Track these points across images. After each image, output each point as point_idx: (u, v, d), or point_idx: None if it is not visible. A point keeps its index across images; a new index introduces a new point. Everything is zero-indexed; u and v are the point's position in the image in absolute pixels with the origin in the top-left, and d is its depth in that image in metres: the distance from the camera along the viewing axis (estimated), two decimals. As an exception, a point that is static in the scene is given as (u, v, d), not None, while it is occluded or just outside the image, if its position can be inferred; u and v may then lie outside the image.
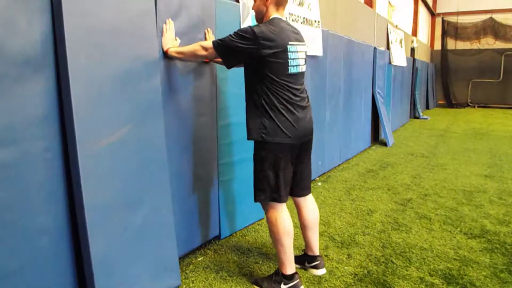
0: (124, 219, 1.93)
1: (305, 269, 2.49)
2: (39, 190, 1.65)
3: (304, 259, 2.49)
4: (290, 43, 2.08)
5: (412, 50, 10.76)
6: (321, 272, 2.43)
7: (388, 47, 8.01)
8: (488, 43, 15.67)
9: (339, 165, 5.36)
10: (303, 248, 2.56)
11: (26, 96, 1.59)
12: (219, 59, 2.25)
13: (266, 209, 2.24)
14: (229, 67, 2.20)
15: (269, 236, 2.96)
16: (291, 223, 2.21)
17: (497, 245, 2.86)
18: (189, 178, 2.57)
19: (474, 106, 15.81)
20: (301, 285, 2.24)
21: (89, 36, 1.76)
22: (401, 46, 9.09)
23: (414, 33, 12.55)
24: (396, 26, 8.94)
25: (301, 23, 3.94)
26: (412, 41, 10.76)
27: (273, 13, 2.15)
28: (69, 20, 1.67)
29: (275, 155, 2.11)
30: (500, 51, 15.32)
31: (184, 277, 2.38)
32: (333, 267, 2.53)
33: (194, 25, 2.50)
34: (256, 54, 2.01)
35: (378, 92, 6.88)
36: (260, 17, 2.20)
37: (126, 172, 1.94)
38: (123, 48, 1.93)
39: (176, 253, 2.27)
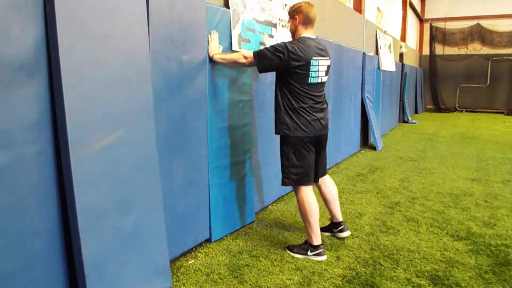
0: (116, 222, 1.95)
1: (334, 235, 3.03)
2: (31, 194, 1.66)
3: (331, 226, 3.03)
4: (313, 58, 2.55)
5: (401, 55, 10.91)
6: (346, 234, 2.98)
7: (377, 52, 8.11)
8: (475, 48, 15.92)
9: (329, 168, 5.40)
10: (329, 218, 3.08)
11: (20, 100, 1.60)
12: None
13: (296, 192, 2.72)
14: (261, 72, 2.71)
15: (259, 239, 3.00)
16: (316, 204, 2.70)
17: (482, 247, 2.92)
18: (180, 182, 2.59)
19: (462, 111, 16.04)
20: (324, 254, 2.71)
21: (82, 42, 1.79)
22: (390, 51, 9.21)
23: (403, 38, 12.72)
24: (385, 31, 9.07)
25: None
26: (401, 47, 10.91)
27: (303, 32, 2.64)
28: (62, 26, 1.69)
29: (296, 146, 2.62)
30: (487, 57, 15.58)
31: (175, 279, 2.40)
32: (322, 269, 2.57)
33: (185, 30, 2.54)
34: (286, 65, 2.51)
35: (367, 97, 6.97)
36: (292, 34, 2.73)
37: (117, 176, 1.96)
38: (115, 53, 1.96)
39: (167, 256, 2.29)
